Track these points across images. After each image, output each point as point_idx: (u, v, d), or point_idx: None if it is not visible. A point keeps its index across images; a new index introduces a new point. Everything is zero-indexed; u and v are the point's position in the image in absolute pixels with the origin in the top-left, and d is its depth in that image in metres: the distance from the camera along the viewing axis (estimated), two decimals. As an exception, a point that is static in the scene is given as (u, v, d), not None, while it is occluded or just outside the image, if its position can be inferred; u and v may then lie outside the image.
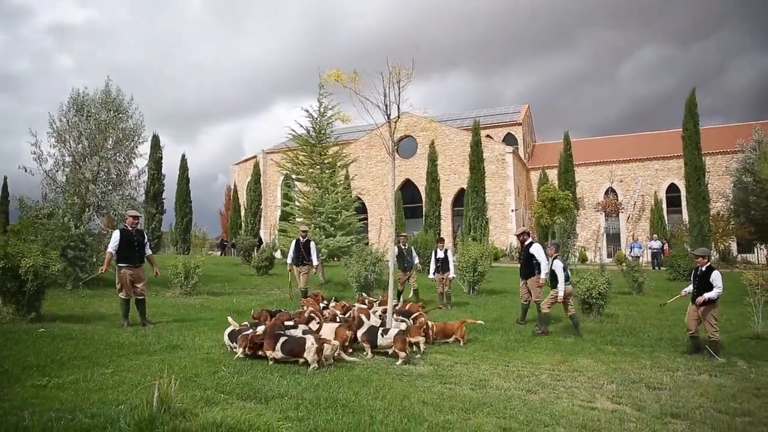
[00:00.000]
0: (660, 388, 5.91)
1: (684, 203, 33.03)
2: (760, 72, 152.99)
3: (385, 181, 38.53)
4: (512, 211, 35.92)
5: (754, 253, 31.48)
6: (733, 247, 33.36)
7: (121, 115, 14.34)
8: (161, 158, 31.21)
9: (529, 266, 10.10)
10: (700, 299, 7.63)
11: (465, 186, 32.68)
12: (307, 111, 18.88)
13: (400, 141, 38.02)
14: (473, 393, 5.48)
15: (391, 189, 8.11)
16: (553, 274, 9.20)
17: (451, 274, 12.28)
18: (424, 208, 33.91)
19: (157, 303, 11.36)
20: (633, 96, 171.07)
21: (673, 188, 38.67)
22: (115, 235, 9.07)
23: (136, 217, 9.32)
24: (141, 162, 15.05)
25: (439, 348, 7.86)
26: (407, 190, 38.52)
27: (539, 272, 9.83)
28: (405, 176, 38.57)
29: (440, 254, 12.35)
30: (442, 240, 13.24)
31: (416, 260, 12.80)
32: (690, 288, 8.00)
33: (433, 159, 33.80)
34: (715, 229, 28.58)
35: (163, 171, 31.51)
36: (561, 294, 9.01)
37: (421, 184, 35.44)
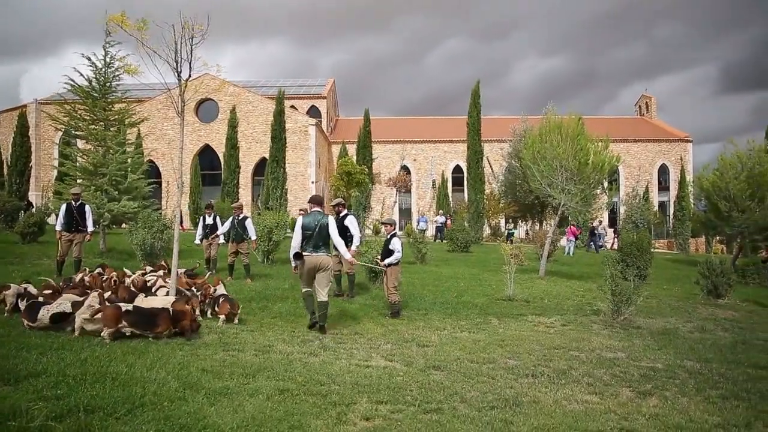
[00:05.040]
0: (428, 345, 6.61)
1: (466, 183, 36.79)
2: (536, 75, 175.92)
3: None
4: (312, 182, 36.45)
5: (517, 229, 36.47)
6: (502, 223, 38.32)
7: None
8: None
9: (342, 237, 10.21)
10: (382, 262, 8.69)
11: (266, 155, 32.27)
12: (89, 59, 16.76)
13: (201, 104, 35.97)
14: (255, 358, 5.54)
15: (179, 152, 7.67)
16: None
17: (252, 235, 11.79)
18: (222, 176, 32.74)
19: None
20: (436, 82, 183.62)
21: (458, 169, 42.78)
22: None
23: None
24: None
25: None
26: (206, 155, 36.66)
27: (352, 244, 10.08)
28: (204, 141, 36.63)
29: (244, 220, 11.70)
30: (240, 207, 12.19)
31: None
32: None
33: (233, 125, 32.65)
34: (489, 206, 32.52)
35: None
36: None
37: (221, 151, 34.07)
